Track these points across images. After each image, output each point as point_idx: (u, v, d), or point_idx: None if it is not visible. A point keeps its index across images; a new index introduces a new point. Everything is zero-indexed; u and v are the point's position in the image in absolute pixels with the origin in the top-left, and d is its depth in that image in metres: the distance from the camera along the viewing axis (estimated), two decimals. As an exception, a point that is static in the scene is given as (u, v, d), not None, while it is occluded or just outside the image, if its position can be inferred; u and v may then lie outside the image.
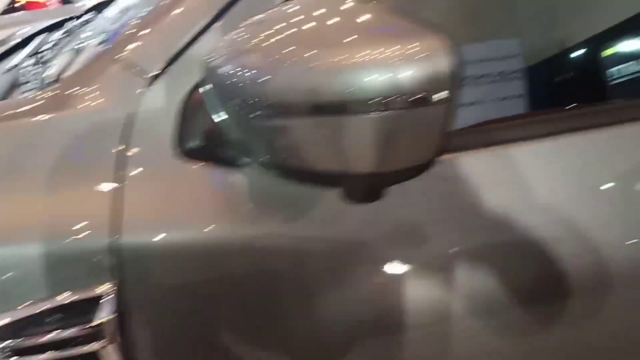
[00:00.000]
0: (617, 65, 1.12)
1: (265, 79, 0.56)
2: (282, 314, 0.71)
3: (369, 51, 0.53)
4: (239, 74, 0.58)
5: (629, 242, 0.71)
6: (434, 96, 0.54)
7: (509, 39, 1.09)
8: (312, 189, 0.68)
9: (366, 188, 0.62)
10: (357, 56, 0.53)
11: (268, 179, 0.67)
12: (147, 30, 0.83)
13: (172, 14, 0.81)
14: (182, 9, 0.81)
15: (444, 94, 0.54)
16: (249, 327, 0.72)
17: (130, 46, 0.82)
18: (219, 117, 0.63)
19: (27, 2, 5.22)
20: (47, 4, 5.42)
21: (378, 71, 0.52)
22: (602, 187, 0.72)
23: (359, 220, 0.71)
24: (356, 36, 0.55)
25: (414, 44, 0.53)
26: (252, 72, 0.57)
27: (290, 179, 0.62)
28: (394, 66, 0.52)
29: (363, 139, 0.55)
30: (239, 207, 0.72)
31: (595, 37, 1.13)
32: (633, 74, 1.13)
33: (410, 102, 0.53)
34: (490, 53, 1.04)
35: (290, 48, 0.55)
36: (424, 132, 0.57)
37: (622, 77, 1.13)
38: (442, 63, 0.53)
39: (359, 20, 0.57)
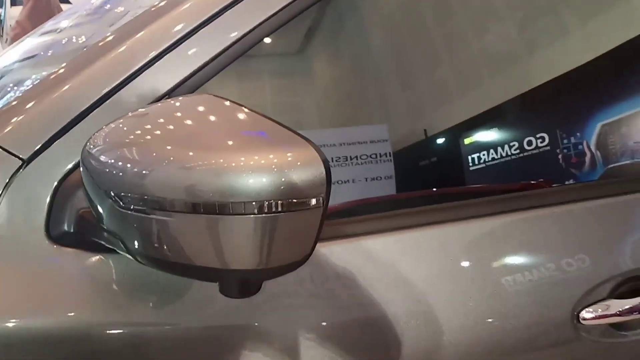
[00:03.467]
0: (475, 152, 1.21)
1: (144, 173, 0.55)
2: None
3: (251, 155, 0.54)
4: (116, 164, 0.57)
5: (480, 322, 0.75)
6: (311, 201, 0.56)
7: (379, 124, 1.16)
8: (183, 281, 0.68)
9: (243, 283, 0.62)
10: (239, 160, 0.54)
11: (139, 268, 0.66)
12: (26, 107, 0.77)
13: (55, 94, 0.76)
14: (66, 87, 0.76)
15: (320, 200, 0.57)
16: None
17: (7, 123, 0.76)
18: (93, 204, 0.62)
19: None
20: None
21: (259, 175, 0.53)
22: (455, 272, 0.77)
23: (229, 308, 0.71)
24: (237, 140, 0.56)
25: (293, 152, 0.55)
26: (131, 165, 0.56)
27: (164, 270, 0.62)
28: (274, 172, 0.54)
29: (242, 238, 0.56)
30: (107, 295, 0.70)
31: (457, 125, 1.22)
32: (488, 161, 1.23)
33: (289, 206, 0.55)
34: (362, 137, 1.10)
35: (171, 145, 0.55)
36: (300, 234, 0.58)
37: (480, 164, 1.22)
38: (318, 171, 0.55)
39: (239, 125, 0.59)
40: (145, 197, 0.55)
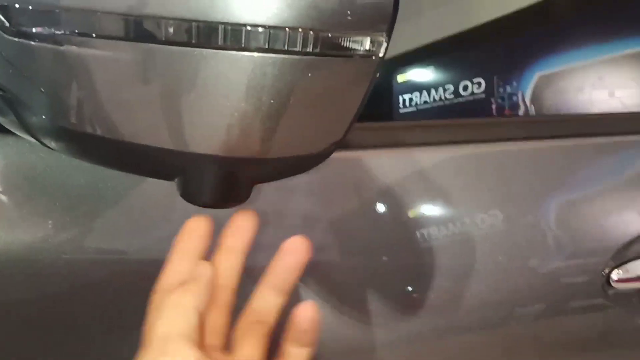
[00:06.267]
0: (408, 93, 1.06)
1: None
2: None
3: None
4: None
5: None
6: (364, 42, 0.32)
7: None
8: (115, 177, 0.45)
9: (226, 182, 0.37)
10: None
11: (38, 156, 0.43)
12: None
13: None
14: None
15: (379, 41, 0.32)
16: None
17: None
18: None
19: None
20: None
21: None
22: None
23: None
24: None
25: None
26: None
27: (83, 157, 0.36)
28: None
29: (233, 98, 0.31)
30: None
31: (391, 59, 1.05)
32: (420, 105, 1.09)
33: (326, 44, 0.30)
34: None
35: None
36: (334, 101, 0.34)
37: (411, 106, 1.07)
38: None
39: None
40: (56, 10, 0.30)
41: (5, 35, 0.30)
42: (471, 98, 1.27)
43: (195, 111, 0.30)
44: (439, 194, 0.57)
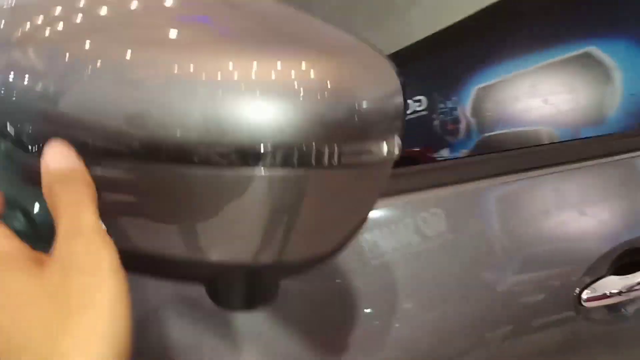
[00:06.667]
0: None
1: (53, 91, 0.29)
2: None
3: (264, 63, 0.28)
4: (7, 80, 0.31)
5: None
6: (380, 147, 0.31)
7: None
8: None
9: (253, 287, 0.37)
10: (239, 68, 0.28)
11: None
12: None
13: None
14: None
15: (393, 144, 0.32)
16: None
17: None
18: None
19: None
20: None
21: (279, 99, 0.28)
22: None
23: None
24: (232, 33, 0.30)
25: (346, 56, 0.31)
26: (27, 79, 0.30)
27: None
28: (317, 90, 0.28)
29: (255, 213, 0.31)
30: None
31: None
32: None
33: (345, 156, 0.30)
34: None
35: (96, 39, 0.29)
36: (356, 200, 0.33)
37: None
38: (392, 90, 0.32)
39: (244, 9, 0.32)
40: (54, 132, 0.29)
41: (16, 154, 0.31)
42: (414, 116, 1.28)
43: (217, 226, 0.30)
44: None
